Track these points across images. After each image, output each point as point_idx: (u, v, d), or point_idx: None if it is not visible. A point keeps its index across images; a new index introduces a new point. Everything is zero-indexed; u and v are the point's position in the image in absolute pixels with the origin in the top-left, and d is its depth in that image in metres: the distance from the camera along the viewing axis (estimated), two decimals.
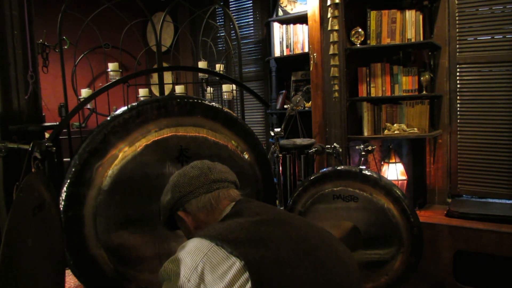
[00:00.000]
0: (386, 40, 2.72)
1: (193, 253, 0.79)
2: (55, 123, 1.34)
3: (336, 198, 1.63)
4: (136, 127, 1.28)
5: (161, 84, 1.55)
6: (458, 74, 2.74)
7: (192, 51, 4.14)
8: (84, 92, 2.33)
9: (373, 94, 2.77)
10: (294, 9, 3.39)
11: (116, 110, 1.31)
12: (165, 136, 1.33)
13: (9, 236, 0.86)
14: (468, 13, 2.67)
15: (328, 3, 2.56)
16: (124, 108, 1.29)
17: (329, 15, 2.57)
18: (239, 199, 1.00)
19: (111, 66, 1.97)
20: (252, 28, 3.87)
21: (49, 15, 2.24)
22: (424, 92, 2.69)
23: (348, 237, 1.55)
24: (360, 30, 2.75)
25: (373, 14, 2.72)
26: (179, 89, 2.52)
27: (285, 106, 3.39)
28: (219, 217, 0.96)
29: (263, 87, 3.83)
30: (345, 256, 0.91)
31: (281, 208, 1.99)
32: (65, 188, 1.18)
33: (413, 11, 2.67)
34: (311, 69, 2.82)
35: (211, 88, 2.57)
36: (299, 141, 2.16)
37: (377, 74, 2.75)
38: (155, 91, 3.74)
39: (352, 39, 2.77)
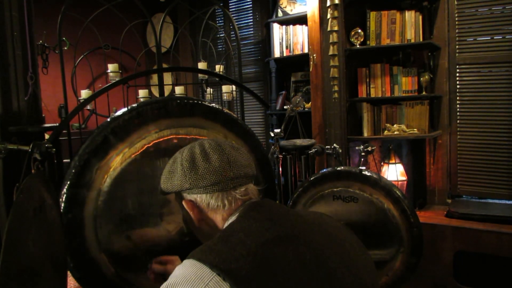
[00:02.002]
0: (385, 41, 2.73)
1: (193, 282, 0.71)
2: (55, 124, 1.34)
3: (336, 199, 1.63)
4: (136, 128, 1.28)
5: (161, 85, 1.55)
6: (457, 74, 2.75)
7: (191, 52, 4.14)
8: (84, 93, 2.33)
9: (372, 95, 2.77)
10: (294, 10, 3.39)
11: (116, 111, 1.31)
12: (165, 137, 1.33)
13: (9, 238, 0.86)
14: (467, 13, 2.68)
15: (328, 4, 2.56)
16: (124, 109, 1.29)
17: (328, 16, 2.57)
18: (249, 202, 0.89)
19: (111, 67, 1.97)
20: (252, 29, 3.87)
21: (48, 16, 2.24)
22: (423, 92, 2.70)
23: None
24: (359, 30, 2.75)
25: (372, 14, 2.73)
26: (179, 90, 2.51)
27: (285, 107, 3.39)
28: (227, 218, 0.88)
29: (262, 88, 3.83)
30: (364, 273, 0.84)
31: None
32: (65, 190, 1.18)
33: (413, 12, 2.67)
34: (310, 69, 2.82)
35: (211, 89, 2.57)
36: (299, 141, 2.16)
37: (376, 74, 2.75)
38: (155, 92, 3.74)
39: (352, 39, 2.78)
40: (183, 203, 0.93)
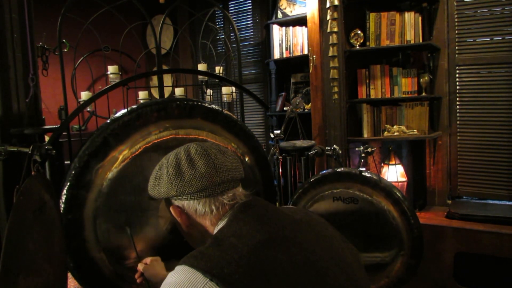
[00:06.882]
0: (385, 42, 2.73)
1: None
2: (55, 126, 1.34)
3: (336, 200, 1.63)
4: (136, 129, 1.28)
5: (160, 87, 1.55)
6: (457, 75, 2.75)
7: (191, 53, 4.15)
8: (84, 95, 2.34)
9: (372, 96, 2.77)
10: (294, 11, 3.40)
11: (116, 113, 1.31)
12: (165, 138, 1.33)
13: (9, 239, 0.86)
14: (467, 14, 2.68)
15: (327, 5, 2.57)
16: (124, 110, 1.29)
17: (328, 17, 2.58)
18: (238, 205, 0.88)
19: (111, 69, 1.98)
20: (252, 31, 3.88)
21: (48, 18, 2.24)
22: (423, 93, 2.70)
23: None
24: (359, 32, 2.76)
25: (372, 16, 2.73)
26: (178, 91, 2.52)
27: (284, 108, 3.39)
28: (216, 223, 0.88)
29: (262, 89, 3.83)
30: (354, 269, 0.85)
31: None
32: (65, 191, 1.18)
33: (412, 13, 2.67)
34: (310, 71, 2.83)
35: (211, 91, 2.58)
36: (299, 143, 2.16)
37: (376, 76, 2.76)
38: (155, 93, 3.74)
39: (352, 41, 2.78)
40: (171, 209, 0.92)
